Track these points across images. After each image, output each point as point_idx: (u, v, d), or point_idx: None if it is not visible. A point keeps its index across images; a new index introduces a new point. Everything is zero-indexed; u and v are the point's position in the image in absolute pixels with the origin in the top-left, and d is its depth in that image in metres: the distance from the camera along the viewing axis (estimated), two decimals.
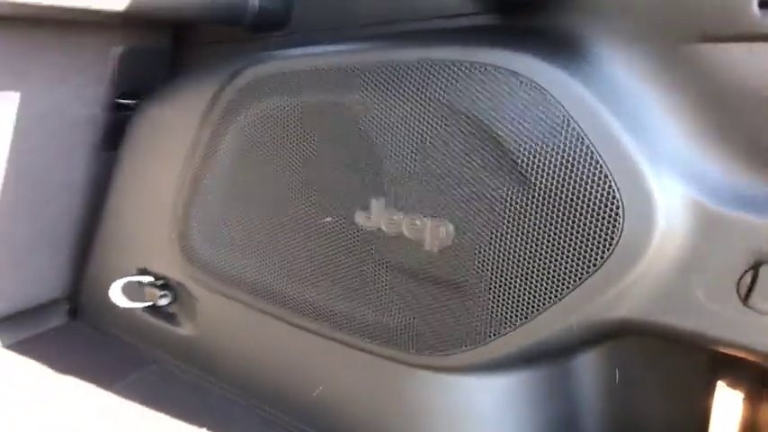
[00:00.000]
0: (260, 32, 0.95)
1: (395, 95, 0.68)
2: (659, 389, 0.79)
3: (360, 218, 0.73)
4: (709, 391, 0.76)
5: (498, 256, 0.64)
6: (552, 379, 0.78)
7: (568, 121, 0.59)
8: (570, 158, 0.59)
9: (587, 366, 0.78)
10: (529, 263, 0.63)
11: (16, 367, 0.94)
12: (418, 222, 0.68)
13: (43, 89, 0.89)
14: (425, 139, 0.67)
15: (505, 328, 0.66)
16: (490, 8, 0.75)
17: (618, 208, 0.58)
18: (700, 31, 0.54)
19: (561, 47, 0.63)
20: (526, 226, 0.62)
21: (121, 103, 1.00)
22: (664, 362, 0.77)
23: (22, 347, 1.00)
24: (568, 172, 0.59)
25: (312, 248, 0.78)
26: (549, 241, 0.61)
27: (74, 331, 1.08)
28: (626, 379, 0.79)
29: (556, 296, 0.63)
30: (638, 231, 0.57)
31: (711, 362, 0.74)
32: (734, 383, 0.76)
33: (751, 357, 0.61)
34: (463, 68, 0.64)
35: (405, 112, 0.68)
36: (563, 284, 0.62)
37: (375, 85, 0.69)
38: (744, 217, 0.55)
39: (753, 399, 0.75)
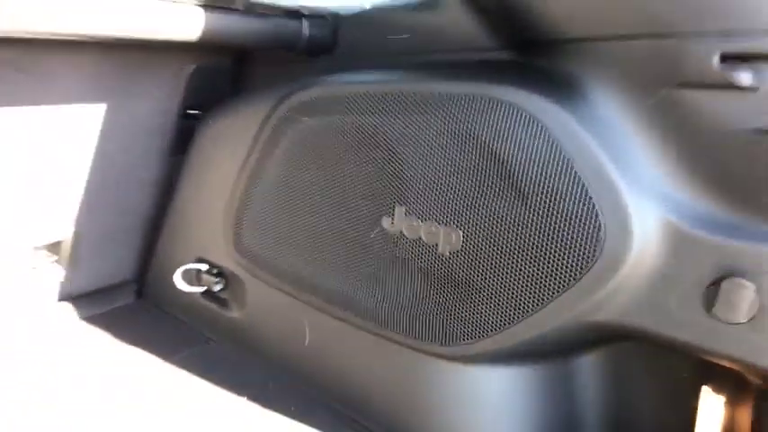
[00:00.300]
0: (311, 56, 1.07)
1: (420, 121, 0.79)
2: (654, 392, 0.87)
3: (385, 223, 0.84)
4: (696, 395, 0.84)
5: (499, 261, 0.75)
6: (555, 377, 0.87)
7: (561, 151, 0.69)
8: (561, 183, 0.69)
9: (588, 370, 0.87)
10: (525, 268, 0.73)
11: (88, 337, 1.09)
12: (433, 229, 0.79)
13: (125, 101, 1.03)
14: (443, 158, 0.78)
15: (506, 323, 0.76)
16: (509, 46, 0.85)
17: (599, 225, 0.67)
18: (675, 79, 0.63)
19: (563, 87, 0.73)
20: (523, 236, 0.72)
21: (189, 113, 1.14)
22: (658, 368, 0.85)
23: (94, 321, 1.15)
24: (559, 194, 0.69)
25: (345, 247, 0.90)
26: (543, 250, 0.71)
27: (138, 309, 1.22)
28: (624, 383, 0.88)
29: (548, 298, 0.72)
30: (618, 246, 0.67)
31: (699, 368, 0.82)
32: (717, 388, 0.83)
33: (717, 361, 0.69)
34: (477, 102, 0.75)
35: (427, 136, 0.79)
36: (554, 288, 0.72)
37: (404, 111, 0.81)
38: (709, 237, 0.64)
39: (733, 402, 0.82)
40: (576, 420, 0.89)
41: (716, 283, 0.64)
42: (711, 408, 0.83)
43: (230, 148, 1.04)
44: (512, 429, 0.85)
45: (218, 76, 1.14)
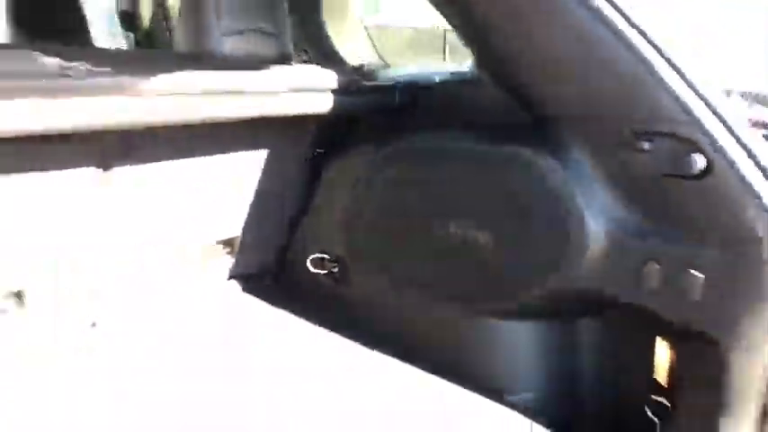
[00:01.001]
0: (398, 114, 1.56)
1: (466, 167, 1.27)
2: (627, 346, 1.29)
3: (449, 227, 1.32)
4: (653, 345, 1.25)
5: (514, 251, 1.21)
6: (563, 332, 1.33)
7: (551, 187, 1.14)
8: (551, 209, 1.14)
9: (585, 332, 1.32)
10: (531, 256, 1.19)
11: (245, 305, 1.60)
12: (474, 231, 1.26)
13: (277, 147, 1.54)
14: (480, 190, 1.25)
15: (523, 289, 1.22)
16: (526, 112, 1.31)
17: (570, 230, 1.12)
18: (612, 142, 1.07)
19: (558, 145, 1.17)
20: (527, 236, 1.18)
21: (317, 153, 1.66)
22: (629, 328, 1.27)
23: (250, 292, 1.64)
24: (547, 212, 1.14)
25: (421, 245, 1.38)
26: (538, 245, 1.17)
27: (277, 290, 1.70)
28: (609, 340, 1.30)
29: (544, 273, 1.18)
30: (580, 243, 1.11)
31: (653, 325, 1.22)
32: (665, 338, 1.23)
33: (658, 314, 1.10)
34: (498, 155, 1.22)
35: (470, 178, 1.27)
36: (549, 267, 1.17)
37: (455, 160, 1.29)
38: (637, 241, 1.07)
39: (674, 347, 1.22)
40: (576, 363, 1.33)
41: (642, 266, 1.07)
42: (661, 354, 1.24)
43: (342, 181, 1.54)
44: (533, 362, 1.31)
45: (335, 127, 1.64)
